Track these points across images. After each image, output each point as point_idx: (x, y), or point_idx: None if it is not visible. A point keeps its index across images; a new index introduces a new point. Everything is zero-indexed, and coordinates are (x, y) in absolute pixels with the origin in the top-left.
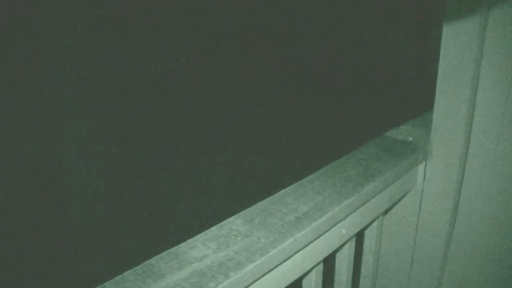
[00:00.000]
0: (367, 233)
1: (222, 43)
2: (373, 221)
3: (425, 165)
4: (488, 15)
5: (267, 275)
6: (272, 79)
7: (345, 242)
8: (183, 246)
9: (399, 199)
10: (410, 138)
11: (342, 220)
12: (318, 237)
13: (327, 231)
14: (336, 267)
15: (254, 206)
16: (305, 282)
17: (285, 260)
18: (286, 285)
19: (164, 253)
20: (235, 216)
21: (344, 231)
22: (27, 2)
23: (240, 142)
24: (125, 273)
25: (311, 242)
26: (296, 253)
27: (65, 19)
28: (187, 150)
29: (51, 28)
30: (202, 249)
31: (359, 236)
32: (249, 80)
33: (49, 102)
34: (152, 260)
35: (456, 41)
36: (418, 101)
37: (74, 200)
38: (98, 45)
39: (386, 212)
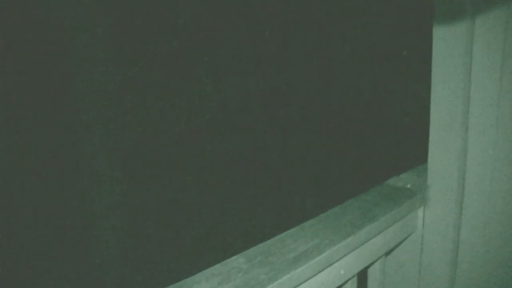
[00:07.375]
0: (370, 273)
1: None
2: (374, 262)
3: (424, 210)
4: (471, 70)
5: None
6: (276, 125)
7: (346, 281)
8: (188, 281)
9: (400, 242)
10: (409, 185)
11: (339, 259)
12: (315, 275)
13: (324, 269)
14: None
15: (256, 246)
16: None
17: None
18: None
19: (170, 287)
20: (238, 255)
21: (342, 271)
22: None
23: (245, 188)
24: None
25: (309, 279)
26: None
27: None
28: (197, 196)
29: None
30: (205, 284)
31: (363, 276)
32: (253, 127)
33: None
34: None
35: (444, 98)
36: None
37: (87, 231)
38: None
39: (388, 253)
